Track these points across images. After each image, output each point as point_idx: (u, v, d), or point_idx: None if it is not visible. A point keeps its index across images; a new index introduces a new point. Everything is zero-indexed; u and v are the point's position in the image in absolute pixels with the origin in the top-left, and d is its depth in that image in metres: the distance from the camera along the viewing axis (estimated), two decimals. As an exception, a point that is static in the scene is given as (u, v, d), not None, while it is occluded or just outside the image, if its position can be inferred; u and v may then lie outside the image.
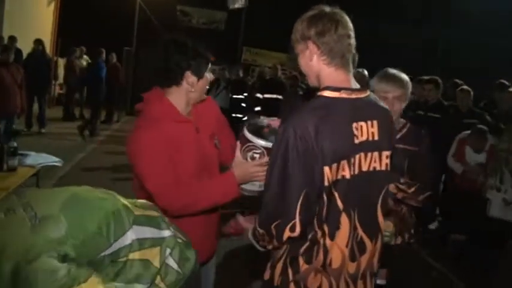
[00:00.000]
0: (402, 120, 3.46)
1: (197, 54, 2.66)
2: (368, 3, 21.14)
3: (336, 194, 2.08)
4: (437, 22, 19.79)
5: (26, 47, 12.64)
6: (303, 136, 2.00)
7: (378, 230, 2.25)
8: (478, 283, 5.61)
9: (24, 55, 12.46)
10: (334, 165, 2.04)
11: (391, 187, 3.09)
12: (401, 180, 3.19)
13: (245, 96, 12.96)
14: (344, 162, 2.06)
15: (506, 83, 7.54)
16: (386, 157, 2.23)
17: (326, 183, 2.04)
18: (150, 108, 2.66)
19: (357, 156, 2.11)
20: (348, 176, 2.08)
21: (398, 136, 3.25)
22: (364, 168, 2.15)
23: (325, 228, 2.12)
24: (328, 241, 2.12)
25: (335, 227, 2.12)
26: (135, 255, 1.77)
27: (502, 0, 18.32)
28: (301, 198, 2.03)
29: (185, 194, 2.53)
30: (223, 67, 15.10)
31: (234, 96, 13.16)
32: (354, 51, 2.17)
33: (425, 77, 7.64)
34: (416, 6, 21.50)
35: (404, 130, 3.41)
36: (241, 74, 14.55)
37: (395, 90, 3.23)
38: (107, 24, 20.83)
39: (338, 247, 2.14)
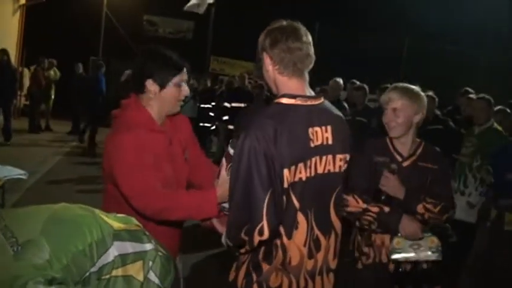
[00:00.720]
0: (416, 140, 3.26)
1: (164, 64, 2.67)
2: (333, 13, 21.40)
3: (292, 195, 2.20)
4: (400, 30, 20.08)
5: (-9, 57, 12.42)
6: (263, 140, 2.10)
7: (330, 227, 2.38)
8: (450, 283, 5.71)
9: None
10: (292, 168, 2.16)
11: (419, 208, 3.06)
12: (428, 200, 3.09)
13: (213, 105, 13.00)
14: (301, 165, 2.20)
15: (470, 89, 7.73)
16: (340, 160, 2.36)
17: (285, 185, 2.16)
18: (126, 114, 2.68)
19: (313, 159, 2.25)
20: (304, 178, 2.22)
21: (417, 154, 3.20)
22: (320, 171, 2.29)
23: (282, 228, 2.22)
24: (285, 240, 2.24)
25: (292, 226, 2.24)
26: (118, 272, 1.76)
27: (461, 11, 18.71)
28: (267, 199, 2.09)
29: (163, 199, 2.51)
30: (189, 76, 15.07)
31: (202, 105, 13.19)
32: (309, 60, 2.30)
33: (390, 85, 7.78)
34: (380, 14, 21.83)
35: (420, 149, 3.23)
36: (209, 84, 14.58)
37: (393, 101, 3.12)
38: (73, 33, 20.63)
39: (296, 246, 2.26)
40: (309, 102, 2.28)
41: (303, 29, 2.29)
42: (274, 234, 2.18)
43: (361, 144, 3.32)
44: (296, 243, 2.26)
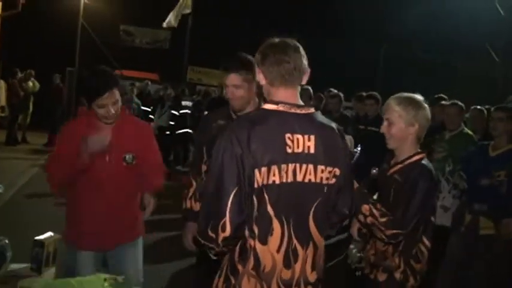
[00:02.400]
0: (417, 151, 3.13)
1: (86, 87, 3.24)
2: (310, 22, 21.57)
3: (267, 198, 2.27)
4: (376, 38, 20.30)
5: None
6: (237, 140, 2.24)
7: (309, 238, 2.39)
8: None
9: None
10: (264, 169, 2.24)
11: (365, 208, 2.96)
12: (377, 205, 2.97)
13: (187, 113, 13.18)
14: (274, 168, 2.26)
15: (444, 96, 7.88)
16: (322, 171, 2.36)
17: (256, 186, 2.25)
18: (79, 112, 3.43)
19: (290, 166, 2.30)
20: (277, 182, 2.28)
21: (397, 167, 3.11)
22: (299, 179, 2.32)
23: (256, 232, 2.30)
24: (258, 245, 2.30)
25: (267, 231, 2.30)
26: None
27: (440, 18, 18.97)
28: (232, 196, 2.22)
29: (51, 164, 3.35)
30: (165, 86, 15.15)
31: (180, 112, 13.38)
32: (298, 72, 2.39)
33: (365, 93, 8.02)
34: (356, 22, 22.04)
35: (408, 162, 3.09)
36: (186, 93, 14.64)
37: (388, 111, 3.10)
38: (49, 44, 20.52)
39: (270, 252, 2.31)
40: (292, 110, 2.35)
41: (292, 44, 2.41)
42: (237, 232, 2.26)
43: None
44: (270, 250, 2.31)
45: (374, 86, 14.76)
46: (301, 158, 2.31)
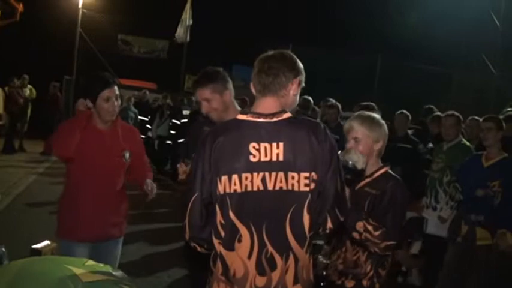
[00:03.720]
0: (380, 165, 3.22)
1: (92, 82, 3.48)
2: (306, 31, 21.66)
3: (229, 206, 2.34)
4: (373, 47, 20.36)
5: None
6: (203, 149, 2.39)
7: (288, 248, 2.37)
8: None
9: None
10: (225, 178, 2.33)
11: (359, 225, 2.91)
12: (369, 220, 2.94)
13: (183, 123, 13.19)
14: (235, 177, 2.33)
15: (433, 107, 7.94)
16: (292, 177, 2.34)
17: (218, 193, 2.35)
18: (77, 114, 3.55)
19: (255, 174, 2.33)
20: (239, 191, 2.33)
21: (366, 181, 3.13)
22: (270, 187, 2.34)
23: (221, 238, 2.38)
24: (224, 250, 2.37)
25: (233, 238, 2.35)
26: None
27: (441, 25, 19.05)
28: (191, 201, 2.40)
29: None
30: (164, 95, 15.16)
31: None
32: (276, 81, 2.45)
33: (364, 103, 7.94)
34: (353, 32, 22.14)
35: (377, 175, 3.16)
36: (185, 102, 14.65)
37: (353, 130, 3.13)
38: (47, 53, 20.55)
39: (240, 258, 2.35)
40: (261, 119, 2.40)
41: (278, 55, 2.49)
42: (198, 235, 2.43)
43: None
44: (240, 256, 2.36)
45: (371, 96, 14.73)
46: (269, 166, 2.34)
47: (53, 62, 19.51)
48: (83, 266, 1.78)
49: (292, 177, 2.34)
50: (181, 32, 17.57)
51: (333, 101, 8.55)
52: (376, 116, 3.24)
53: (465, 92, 18.88)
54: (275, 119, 2.40)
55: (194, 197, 2.39)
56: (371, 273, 3.09)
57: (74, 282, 1.67)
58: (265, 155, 2.33)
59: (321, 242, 3.39)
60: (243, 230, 2.35)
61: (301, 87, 2.56)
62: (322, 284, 3.16)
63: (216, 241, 2.40)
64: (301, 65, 2.54)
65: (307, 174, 2.35)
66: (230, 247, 2.37)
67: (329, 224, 2.44)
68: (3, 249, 3.59)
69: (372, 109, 7.10)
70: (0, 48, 17.39)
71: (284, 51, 2.54)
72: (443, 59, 19.54)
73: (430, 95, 14.81)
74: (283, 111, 2.44)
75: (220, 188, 2.35)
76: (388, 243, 2.94)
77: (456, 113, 6.02)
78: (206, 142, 2.41)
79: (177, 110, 13.84)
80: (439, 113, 7.24)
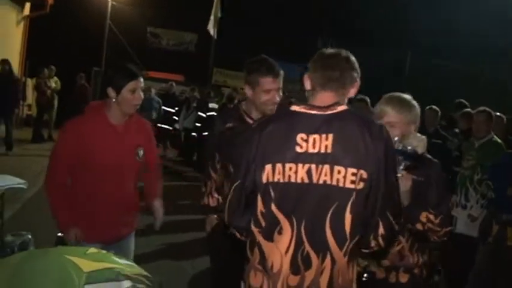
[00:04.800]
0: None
1: (118, 72, 3.30)
2: (334, 28, 21.51)
3: (271, 196, 2.29)
4: (402, 43, 20.14)
5: (-7, 68, 12.43)
6: (253, 138, 2.36)
7: (325, 248, 2.25)
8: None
9: (-8, 76, 12.25)
10: (269, 166, 2.28)
11: (423, 216, 2.82)
12: (429, 209, 2.82)
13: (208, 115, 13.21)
14: (279, 166, 2.27)
15: (465, 102, 7.76)
16: (338, 172, 2.22)
17: (261, 182, 2.31)
18: (86, 110, 3.43)
19: (301, 166, 2.24)
20: (282, 181, 2.26)
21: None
22: (315, 180, 2.24)
23: (261, 228, 2.33)
24: (263, 240, 2.32)
25: (273, 229, 2.29)
26: None
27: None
28: (232, 189, 2.40)
29: (48, 186, 3.37)
30: (192, 88, 15.17)
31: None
32: (340, 80, 2.38)
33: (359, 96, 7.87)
34: (381, 29, 21.93)
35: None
36: (211, 95, 14.65)
37: (387, 114, 2.99)
38: (76, 44, 20.75)
39: (279, 251, 2.28)
40: (314, 111, 2.31)
41: (343, 55, 2.43)
42: (237, 222, 2.43)
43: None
44: (279, 249, 2.28)
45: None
46: (317, 158, 2.24)
47: (82, 54, 19.70)
48: (85, 256, 1.75)
49: (339, 172, 2.22)
50: (211, 25, 17.52)
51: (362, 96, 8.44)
52: (407, 96, 3.07)
53: (492, 90, 18.53)
54: (329, 112, 2.31)
55: (236, 184, 2.38)
56: (420, 261, 2.99)
57: (77, 273, 1.65)
58: (314, 147, 2.24)
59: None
60: (284, 223, 2.27)
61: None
62: (363, 278, 2.98)
63: (255, 229, 2.35)
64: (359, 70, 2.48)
65: (354, 171, 2.21)
66: (269, 238, 2.31)
67: (381, 230, 2.26)
68: (30, 236, 3.62)
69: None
70: (31, 40, 17.58)
71: (346, 53, 2.47)
72: (472, 56, 19.23)
73: (459, 91, 14.55)
74: (338, 104, 2.34)
75: (264, 177, 2.30)
76: (447, 229, 2.86)
77: (488, 109, 5.88)
78: (256, 130, 2.40)
79: (203, 103, 13.83)
80: (469, 109, 7.09)
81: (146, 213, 3.70)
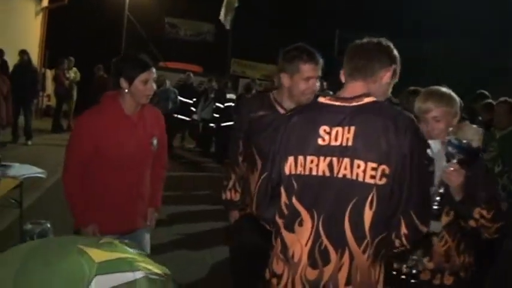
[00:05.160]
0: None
1: (130, 63, 3.31)
2: (354, 18, 21.34)
3: (294, 188, 2.28)
4: (427, 34, 19.95)
5: (13, 59, 12.55)
6: (279, 129, 2.35)
7: (344, 244, 2.19)
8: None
9: (11, 67, 12.36)
10: (291, 158, 2.27)
11: (476, 212, 2.71)
12: (482, 204, 2.70)
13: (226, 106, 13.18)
14: (301, 159, 2.25)
15: (486, 93, 7.65)
16: (358, 166, 2.16)
17: (284, 174, 2.30)
18: (101, 101, 3.43)
19: (321, 158, 2.21)
20: (303, 173, 2.25)
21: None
22: (335, 173, 2.19)
23: (284, 218, 2.33)
24: (284, 231, 2.32)
25: (294, 220, 2.29)
26: None
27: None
28: (260, 180, 2.40)
29: (66, 180, 3.40)
30: (210, 78, 15.15)
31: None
32: (368, 67, 2.33)
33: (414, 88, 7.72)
34: (403, 18, 21.72)
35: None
36: (229, 86, 14.62)
37: (432, 110, 2.90)
38: (95, 35, 20.82)
39: (299, 243, 2.27)
40: (338, 103, 2.27)
41: (373, 42, 2.39)
42: (263, 214, 2.45)
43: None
44: (300, 241, 2.27)
45: (421, 83, 14.40)
46: (339, 151, 2.18)
47: (101, 45, 19.76)
48: (97, 245, 1.69)
49: (358, 166, 2.15)
50: (225, 15, 17.43)
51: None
52: (447, 89, 3.00)
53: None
54: (354, 103, 2.24)
55: (264, 175, 2.39)
56: (466, 261, 2.91)
57: (87, 262, 1.61)
58: (336, 139, 2.19)
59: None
60: (305, 215, 2.24)
61: (396, 77, 2.42)
62: (412, 280, 2.91)
63: (279, 220, 2.36)
64: (397, 54, 2.40)
65: (374, 165, 2.13)
66: (291, 229, 2.30)
67: (403, 229, 2.17)
68: (49, 225, 3.63)
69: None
70: (49, 31, 17.70)
71: (381, 39, 2.41)
72: (496, 45, 18.96)
73: (481, 82, 14.36)
74: (366, 95, 2.26)
75: (287, 169, 2.29)
76: (498, 225, 2.75)
77: (510, 100, 5.78)
78: (282, 122, 2.38)
79: (221, 93, 13.81)
80: (490, 100, 6.98)
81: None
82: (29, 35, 16.14)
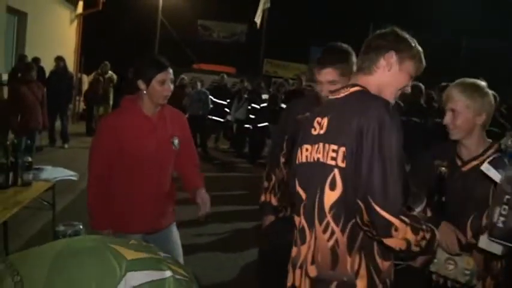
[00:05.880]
0: (487, 141, 2.83)
1: (147, 65, 3.35)
2: (387, 13, 21.11)
3: (298, 175, 2.37)
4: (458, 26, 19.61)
5: (49, 65, 12.79)
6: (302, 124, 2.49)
7: (313, 223, 2.23)
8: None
9: (47, 73, 12.60)
10: (299, 150, 2.38)
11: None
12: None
13: (262, 107, 13.14)
14: (301, 148, 2.37)
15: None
16: (324, 148, 2.20)
17: (295, 164, 2.40)
18: (122, 103, 3.49)
19: (315, 146, 2.27)
20: (302, 161, 2.35)
21: (480, 159, 2.72)
22: (310, 159, 2.29)
23: (294, 206, 2.42)
24: (295, 216, 2.39)
25: (300, 206, 2.34)
26: None
27: None
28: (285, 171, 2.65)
29: (90, 180, 3.45)
30: (241, 79, 15.17)
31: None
32: (365, 61, 2.31)
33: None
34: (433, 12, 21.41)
35: (489, 152, 2.74)
36: (262, 86, 14.62)
37: (451, 101, 2.76)
38: (129, 40, 21.10)
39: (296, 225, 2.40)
40: (331, 96, 2.38)
41: (374, 36, 2.36)
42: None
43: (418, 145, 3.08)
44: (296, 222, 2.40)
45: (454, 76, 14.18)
46: (320, 138, 2.25)
47: (135, 49, 20.00)
48: (127, 245, 1.74)
49: (324, 148, 2.21)
50: (257, 15, 17.50)
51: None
52: (481, 83, 2.78)
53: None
54: (340, 95, 2.30)
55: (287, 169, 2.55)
56: (503, 265, 2.73)
57: (118, 259, 1.65)
58: (321, 128, 2.27)
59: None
60: (305, 199, 2.32)
61: (405, 64, 2.26)
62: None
63: (293, 209, 2.47)
64: (403, 40, 2.27)
65: (335, 147, 2.14)
66: (298, 214, 2.37)
67: (365, 216, 2.03)
68: (81, 227, 3.65)
69: None
70: (85, 37, 17.99)
71: (394, 28, 2.33)
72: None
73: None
74: (353, 86, 2.27)
75: (297, 160, 2.39)
76: None
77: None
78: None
79: (256, 94, 13.79)
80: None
81: (195, 204, 3.65)
82: (64, 41, 16.42)
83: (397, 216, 2.00)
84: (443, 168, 2.85)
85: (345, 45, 3.14)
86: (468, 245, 2.70)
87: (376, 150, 2.03)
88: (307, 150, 2.32)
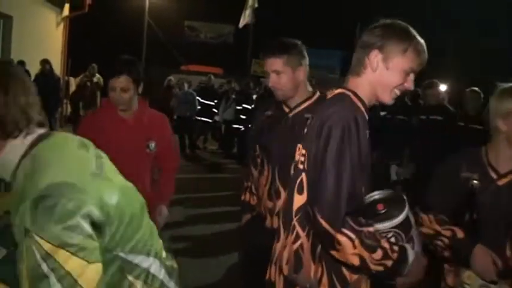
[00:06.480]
0: None
1: (111, 72, 3.30)
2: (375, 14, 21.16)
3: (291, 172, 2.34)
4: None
5: (36, 69, 12.72)
6: None
7: (286, 224, 2.22)
8: None
9: (33, 76, 12.51)
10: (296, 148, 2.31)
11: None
12: None
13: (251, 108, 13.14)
14: (297, 147, 2.28)
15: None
16: (299, 149, 2.22)
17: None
18: (101, 103, 3.66)
19: (301, 145, 2.23)
20: (295, 159, 2.30)
21: None
22: (295, 159, 2.26)
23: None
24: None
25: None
26: (138, 284, 1.67)
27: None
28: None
29: None
30: (229, 80, 15.18)
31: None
32: (355, 62, 2.20)
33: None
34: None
35: None
36: (251, 86, 14.63)
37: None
38: (116, 42, 21.04)
39: None
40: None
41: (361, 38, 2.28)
42: None
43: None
44: None
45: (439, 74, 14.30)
46: (301, 139, 2.24)
47: (122, 51, 19.93)
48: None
49: (299, 149, 2.21)
50: (245, 16, 17.51)
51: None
52: None
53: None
54: (328, 96, 2.24)
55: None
56: None
57: (159, 247, 1.85)
58: (305, 129, 2.26)
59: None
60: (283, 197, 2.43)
61: (393, 62, 2.09)
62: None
63: None
64: (392, 35, 2.09)
65: (303, 151, 2.13)
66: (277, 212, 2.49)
67: (313, 220, 1.95)
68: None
69: None
70: (71, 40, 17.91)
71: (384, 21, 2.16)
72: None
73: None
74: (339, 87, 2.19)
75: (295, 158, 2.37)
76: None
77: None
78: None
79: (245, 94, 13.78)
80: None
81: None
82: (51, 44, 16.33)
83: (338, 229, 1.88)
84: (475, 182, 2.52)
85: (291, 39, 3.17)
86: (506, 270, 2.42)
87: (326, 157, 1.94)
88: (299, 149, 2.23)
